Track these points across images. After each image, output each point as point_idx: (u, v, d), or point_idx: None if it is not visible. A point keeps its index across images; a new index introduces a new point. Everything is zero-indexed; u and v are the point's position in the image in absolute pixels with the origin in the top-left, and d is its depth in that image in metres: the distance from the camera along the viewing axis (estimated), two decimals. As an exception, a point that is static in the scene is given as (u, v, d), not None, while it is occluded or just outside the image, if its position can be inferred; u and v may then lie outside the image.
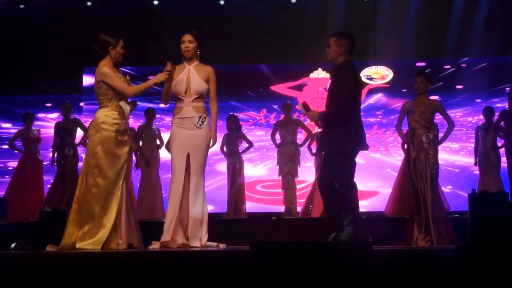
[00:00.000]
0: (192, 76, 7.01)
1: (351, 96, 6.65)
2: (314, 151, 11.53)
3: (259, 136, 14.01)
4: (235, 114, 12.48)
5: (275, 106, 13.97)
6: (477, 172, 11.71)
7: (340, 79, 6.70)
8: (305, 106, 6.85)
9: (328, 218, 6.89)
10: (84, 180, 6.80)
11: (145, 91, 6.99)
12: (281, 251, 5.14)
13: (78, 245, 6.66)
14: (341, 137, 6.60)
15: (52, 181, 11.78)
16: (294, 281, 4.93)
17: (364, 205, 13.32)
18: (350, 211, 6.58)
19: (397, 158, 13.04)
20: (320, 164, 6.79)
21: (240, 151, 11.90)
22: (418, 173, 8.21)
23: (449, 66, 13.64)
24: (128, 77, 7.00)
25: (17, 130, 12.58)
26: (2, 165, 14.28)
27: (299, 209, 11.63)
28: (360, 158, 13.65)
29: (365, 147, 6.85)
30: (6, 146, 12.83)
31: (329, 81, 6.97)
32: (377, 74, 13.81)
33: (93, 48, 6.93)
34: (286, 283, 4.93)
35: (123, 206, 6.86)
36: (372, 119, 13.91)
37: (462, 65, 13.67)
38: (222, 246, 6.95)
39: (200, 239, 6.91)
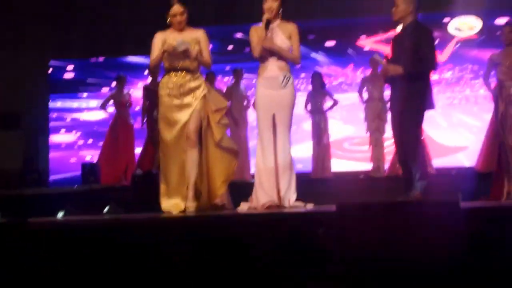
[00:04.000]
0: (276, 35, 7.01)
1: (435, 53, 6.79)
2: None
3: (346, 92, 13.95)
4: (318, 71, 12.45)
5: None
6: None
7: (420, 36, 6.72)
8: (385, 59, 6.92)
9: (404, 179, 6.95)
10: None
11: (158, 61, 7.00)
12: (367, 211, 5.14)
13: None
14: (420, 95, 6.69)
15: (143, 144, 12.00)
16: (380, 241, 4.94)
17: (453, 161, 13.19)
18: (420, 167, 6.65)
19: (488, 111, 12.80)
20: (397, 121, 6.82)
21: (324, 109, 11.89)
22: (506, 127, 8.05)
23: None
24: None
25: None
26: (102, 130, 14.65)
27: (387, 166, 11.55)
28: (450, 112, 13.64)
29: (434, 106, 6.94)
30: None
31: (395, 40, 6.98)
32: (465, 24, 13.51)
33: None
34: (372, 243, 4.95)
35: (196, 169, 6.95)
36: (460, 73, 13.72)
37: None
38: (309, 206, 6.94)
39: (288, 200, 6.97)
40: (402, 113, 6.75)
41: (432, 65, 6.77)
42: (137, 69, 14.27)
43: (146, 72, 13.73)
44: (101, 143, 12.83)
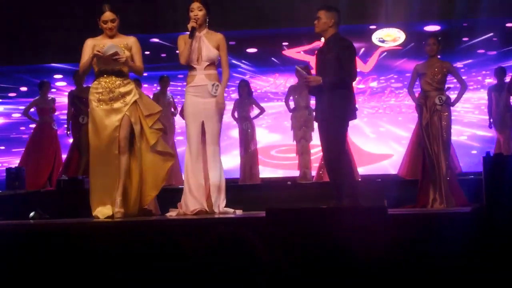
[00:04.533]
0: (203, 44, 7.03)
1: (355, 65, 6.94)
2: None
3: (272, 101, 14.01)
4: (246, 79, 12.51)
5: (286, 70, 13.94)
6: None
7: (341, 48, 6.88)
8: (307, 70, 7.00)
9: (332, 186, 7.04)
10: None
11: (87, 66, 6.92)
12: (296, 217, 5.18)
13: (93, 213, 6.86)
14: (342, 105, 6.81)
15: (68, 150, 11.82)
16: (310, 246, 4.98)
17: (377, 168, 13.37)
18: (347, 174, 6.81)
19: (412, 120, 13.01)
20: (323, 130, 6.93)
21: (251, 117, 11.95)
22: (431, 136, 8.22)
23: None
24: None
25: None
26: (17, 136, 14.35)
27: (314, 173, 11.65)
28: (375, 121, 13.83)
29: (356, 116, 7.08)
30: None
31: (319, 52, 7.11)
32: (389, 36, 13.67)
33: None
34: (302, 248, 4.98)
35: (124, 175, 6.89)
36: (381, 82, 13.91)
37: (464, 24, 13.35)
38: (238, 212, 7.02)
39: (218, 206, 6.99)
40: (326, 122, 6.86)
41: (352, 76, 6.91)
42: (48, 74, 13.96)
43: (57, 76, 13.81)
44: (15, 149, 12.56)
